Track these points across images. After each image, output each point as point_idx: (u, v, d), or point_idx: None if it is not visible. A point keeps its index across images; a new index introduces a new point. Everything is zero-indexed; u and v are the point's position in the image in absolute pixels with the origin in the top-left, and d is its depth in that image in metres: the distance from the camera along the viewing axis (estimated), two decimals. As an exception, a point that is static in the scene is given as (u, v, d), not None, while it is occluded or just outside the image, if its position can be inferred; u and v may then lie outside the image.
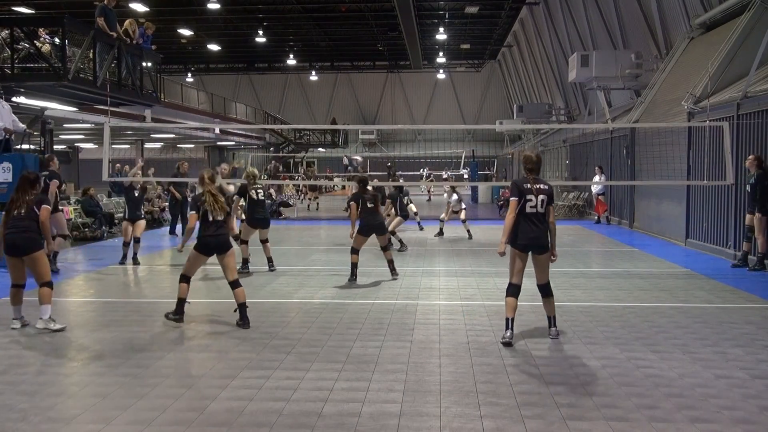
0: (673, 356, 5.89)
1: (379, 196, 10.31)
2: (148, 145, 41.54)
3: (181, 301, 7.16)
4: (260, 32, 35.06)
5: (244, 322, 6.97)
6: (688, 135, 13.70)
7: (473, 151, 39.77)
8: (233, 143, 40.96)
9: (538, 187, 6.38)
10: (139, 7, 25.48)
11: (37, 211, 6.91)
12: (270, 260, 10.77)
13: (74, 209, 16.24)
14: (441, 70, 48.31)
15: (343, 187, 36.40)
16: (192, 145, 44.44)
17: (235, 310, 7.04)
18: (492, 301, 8.36)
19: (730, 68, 13.08)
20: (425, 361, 5.76)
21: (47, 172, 10.58)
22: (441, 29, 34.02)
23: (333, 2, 31.47)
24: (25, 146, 11.83)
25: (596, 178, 18.97)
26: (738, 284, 9.41)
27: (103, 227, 16.08)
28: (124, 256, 11.55)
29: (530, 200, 6.33)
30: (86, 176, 32.87)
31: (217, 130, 33.65)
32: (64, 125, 23.06)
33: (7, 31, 13.15)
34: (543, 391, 4.97)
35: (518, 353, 5.99)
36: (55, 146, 14.86)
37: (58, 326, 6.77)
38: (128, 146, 41.85)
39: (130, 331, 6.80)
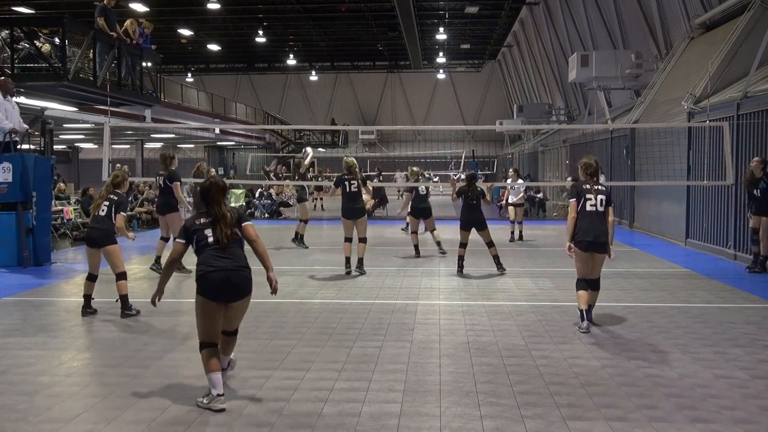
0: (673, 356, 5.89)
1: (482, 193, 10.43)
2: (148, 145, 41.54)
3: (86, 298, 7.59)
4: (260, 32, 35.06)
5: (123, 311, 7.42)
6: (688, 135, 13.70)
7: (473, 151, 39.79)
8: (233, 143, 40.98)
9: (596, 188, 6.84)
10: (139, 7, 25.48)
11: (239, 233, 4.94)
12: (360, 262, 10.31)
13: (74, 209, 16.24)
14: (441, 70, 48.32)
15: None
16: (192, 145, 44.46)
17: (116, 301, 7.50)
18: (492, 301, 8.36)
19: (730, 68, 13.08)
20: (425, 361, 5.76)
21: (164, 173, 10.40)
22: (441, 29, 34.02)
23: (333, 2, 31.46)
24: (25, 146, 11.81)
25: (596, 178, 18.96)
26: (738, 284, 9.42)
27: (103, 227, 16.05)
28: None
29: (590, 199, 6.77)
30: (86, 176, 32.92)
31: (217, 130, 33.66)
32: (64, 125, 23.05)
33: (7, 31, 13.15)
34: (543, 391, 4.97)
35: (518, 353, 5.98)
36: (55, 146, 14.86)
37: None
38: (128, 146, 41.85)
39: (130, 331, 6.79)
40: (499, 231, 17.07)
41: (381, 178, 33.83)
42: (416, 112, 52.66)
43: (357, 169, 10.51)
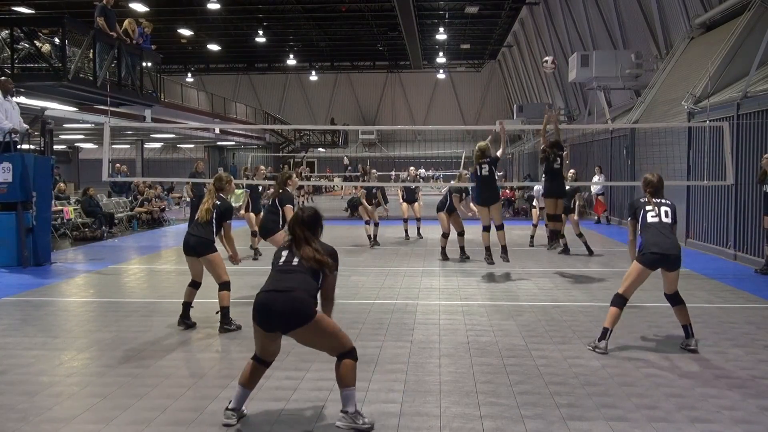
0: (674, 356, 5.88)
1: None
2: (148, 145, 41.57)
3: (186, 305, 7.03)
4: (260, 32, 35.07)
5: (222, 324, 6.77)
6: (688, 135, 13.70)
7: (473, 151, 39.67)
8: (233, 143, 40.98)
9: (657, 200, 6.15)
10: (139, 7, 25.48)
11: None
12: (503, 249, 10.26)
13: (74, 209, 16.25)
14: (441, 70, 48.31)
15: (342, 188, 36.37)
16: (192, 145, 44.48)
17: (216, 312, 6.90)
18: (492, 301, 8.36)
19: (730, 68, 13.08)
20: (425, 361, 5.76)
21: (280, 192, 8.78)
22: (441, 29, 34.03)
23: (333, 2, 31.48)
24: (25, 146, 11.81)
25: (596, 178, 18.98)
26: (738, 284, 9.42)
27: (103, 227, 16.09)
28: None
29: (650, 210, 6.05)
30: (86, 176, 32.90)
31: (217, 130, 33.66)
32: (64, 125, 23.06)
33: (7, 31, 13.16)
34: (543, 391, 4.97)
35: (518, 353, 5.98)
36: (55, 146, 14.86)
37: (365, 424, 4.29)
38: (128, 146, 41.89)
39: (130, 331, 6.79)
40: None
41: (367, 178, 33.84)
42: (416, 112, 52.65)
43: (491, 152, 10.21)
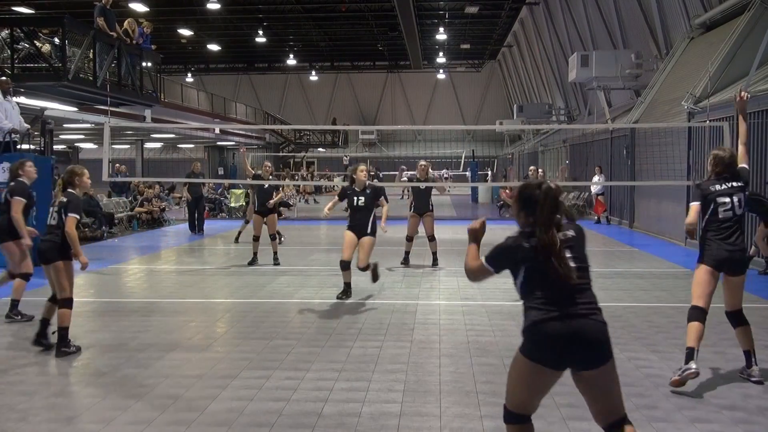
0: (673, 356, 5.88)
1: None
2: (148, 145, 41.55)
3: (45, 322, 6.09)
4: (260, 32, 35.08)
5: (60, 347, 5.84)
6: (688, 135, 13.70)
7: (473, 151, 39.79)
8: (233, 143, 40.97)
9: (730, 185, 5.10)
10: (139, 7, 25.48)
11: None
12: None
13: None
14: (441, 70, 48.32)
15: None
16: (192, 145, 44.45)
17: (54, 333, 5.96)
18: (492, 301, 8.35)
19: (730, 68, 13.08)
20: (425, 361, 5.76)
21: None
22: (441, 29, 34.03)
23: (333, 2, 31.49)
24: (25, 146, 11.80)
25: (595, 178, 18.98)
26: (738, 284, 9.39)
27: (103, 227, 16.08)
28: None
29: (723, 202, 5.05)
30: (86, 176, 32.87)
31: (217, 130, 33.66)
32: (64, 125, 23.06)
33: (7, 31, 13.16)
34: (543, 391, 4.96)
35: (518, 353, 5.98)
36: (55, 146, 14.83)
37: None
38: (128, 146, 41.88)
39: (130, 331, 6.79)
40: (498, 231, 17.08)
41: (380, 177, 33.88)
42: (416, 112, 52.67)
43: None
